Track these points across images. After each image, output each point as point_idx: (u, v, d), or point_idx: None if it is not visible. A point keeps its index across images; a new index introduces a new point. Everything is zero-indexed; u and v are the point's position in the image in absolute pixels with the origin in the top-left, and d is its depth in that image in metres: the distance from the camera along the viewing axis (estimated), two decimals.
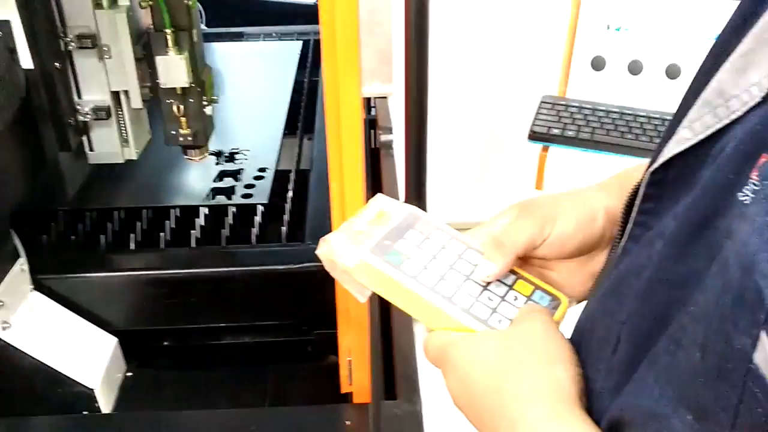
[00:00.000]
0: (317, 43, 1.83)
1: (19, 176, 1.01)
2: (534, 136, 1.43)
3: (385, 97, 1.79)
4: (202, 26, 2.10)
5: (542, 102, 1.49)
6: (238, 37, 1.91)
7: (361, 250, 0.63)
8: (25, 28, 0.95)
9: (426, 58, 0.95)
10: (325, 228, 1.09)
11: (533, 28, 2.00)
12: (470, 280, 0.63)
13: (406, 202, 0.69)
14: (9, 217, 0.97)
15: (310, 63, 1.73)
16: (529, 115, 1.46)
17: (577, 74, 1.46)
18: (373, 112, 1.68)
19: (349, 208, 0.91)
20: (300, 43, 1.81)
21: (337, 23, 0.76)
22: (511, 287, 0.65)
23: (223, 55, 1.89)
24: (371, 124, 1.64)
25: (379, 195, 0.71)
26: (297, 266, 1.02)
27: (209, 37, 1.96)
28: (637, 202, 0.53)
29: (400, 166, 1.64)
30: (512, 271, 0.65)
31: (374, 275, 0.62)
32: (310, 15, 2.20)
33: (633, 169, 0.67)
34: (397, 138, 1.71)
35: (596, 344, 0.51)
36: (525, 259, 0.66)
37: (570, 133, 1.37)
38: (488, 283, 0.63)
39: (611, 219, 0.64)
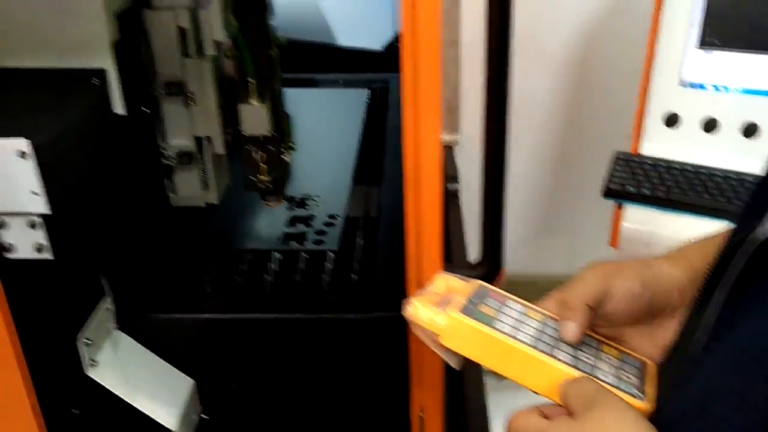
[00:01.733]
0: (384, 90, 1.86)
1: (110, 216, 1.04)
2: (609, 193, 1.42)
3: (450, 147, 1.81)
4: None
5: (617, 158, 1.48)
6: (307, 83, 1.95)
7: (451, 310, 0.64)
8: (119, 77, 0.99)
9: (505, 108, 0.95)
10: (396, 277, 1.10)
11: (606, 82, 2.00)
12: (560, 341, 0.63)
13: (483, 253, 0.70)
14: (99, 256, 1.00)
15: (377, 111, 1.76)
16: (601, 171, 1.45)
17: (650, 131, 1.45)
18: None
19: (425, 258, 0.92)
20: (367, 91, 1.84)
21: (420, 69, 0.77)
22: (599, 350, 0.64)
23: (293, 100, 1.93)
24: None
25: (441, 272, 0.73)
26: (369, 315, 1.03)
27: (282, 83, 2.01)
28: (734, 271, 0.52)
29: (469, 216, 1.64)
30: (593, 338, 0.65)
31: (467, 335, 0.62)
32: (377, 62, 2.26)
33: (697, 243, 0.68)
34: (464, 188, 1.72)
35: (711, 426, 0.49)
36: (598, 330, 0.66)
37: (645, 192, 1.36)
38: (576, 345, 0.63)
39: (677, 286, 0.65)
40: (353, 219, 1.30)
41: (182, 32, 1.05)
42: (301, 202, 1.32)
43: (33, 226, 0.83)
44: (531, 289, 0.71)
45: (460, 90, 1.79)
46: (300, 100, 1.92)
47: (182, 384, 1.01)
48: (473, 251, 1.48)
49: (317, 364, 1.07)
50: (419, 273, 0.88)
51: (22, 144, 0.78)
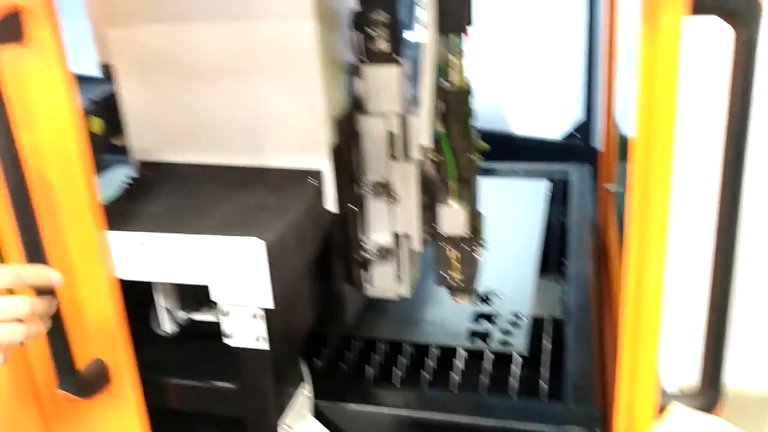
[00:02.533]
0: (564, 182, 1.85)
1: (313, 305, 1.10)
2: None
3: None
4: None
5: None
6: (488, 172, 1.98)
7: None
8: (334, 177, 1.06)
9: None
10: (588, 388, 1.08)
11: None
12: None
13: (703, 380, 0.67)
14: (301, 343, 1.06)
15: (559, 202, 1.75)
16: None
17: None
18: None
19: (640, 380, 0.88)
20: (547, 181, 1.84)
21: (650, 185, 0.76)
22: None
23: (487, 189, 1.96)
24: None
25: (677, 404, 0.70)
26: (561, 428, 1.01)
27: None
28: None
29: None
30: None
31: None
32: (556, 152, 2.26)
33: None
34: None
35: None
36: None
37: None
38: None
39: None
40: (539, 320, 1.29)
41: (391, 136, 1.11)
42: (485, 298, 1.33)
43: (254, 317, 0.90)
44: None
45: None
46: (492, 190, 1.96)
47: None
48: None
49: None
50: (631, 395, 0.85)
51: (256, 243, 0.85)
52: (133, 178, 1.08)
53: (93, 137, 1.04)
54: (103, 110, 1.07)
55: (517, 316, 1.28)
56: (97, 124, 1.05)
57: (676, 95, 0.69)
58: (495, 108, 2.43)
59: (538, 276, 1.42)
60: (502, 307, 1.31)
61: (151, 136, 1.08)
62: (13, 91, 0.77)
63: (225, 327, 0.92)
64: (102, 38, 1.06)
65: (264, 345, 0.91)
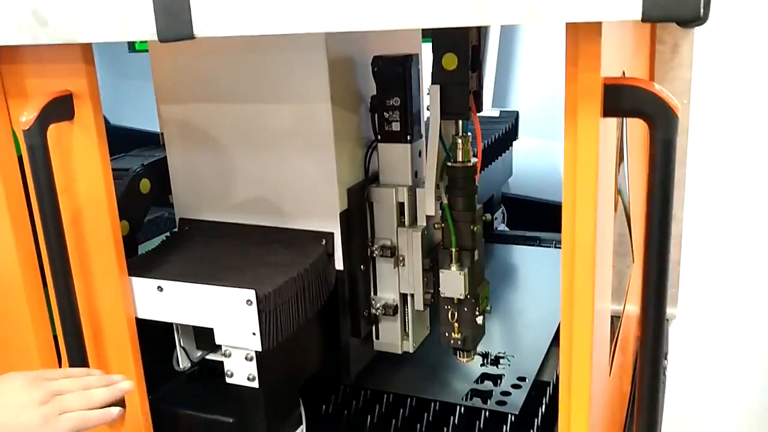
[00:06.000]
0: None
1: (316, 353, 1.23)
2: None
3: (667, 320, 1.78)
4: (503, 226, 2.31)
5: None
6: (532, 241, 2.06)
7: None
8: (343, 239, 1.19)
9: None
10: None
11: None
12: None
13: None
14: (300, 388, 1.18)
15: None
16: None
17: None
18: None
19: None
20: None
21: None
22: None
23: (515, 256, 2.05)
24: None
25: None
26: None
27: (507, 239, 2.15)
28: None
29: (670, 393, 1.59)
30: None
31: None
32: None
33: None
34: (673, 366, 1.68)
35: None
36: None
37: None
38: None
39: None
40: (543, 383, 1.35)
41: (400, 206, 1.23)
42: (495, 360, 1.41)
43: (247, 358, 1.03)
44: None
45: (680, 266, 1.78)
46: (521, 258, 2.03)
47: None
48: None
49: None
50: None
51: (249, 294, 0.99)
52: (173, 232, 1.25)
53: (141, 196, 1.23)
54: (154, 173, 1.25)
55: (521, 379, 1.35)
56: (146, 185, 1.23)
57: (596, 180, 0.78)
58: (547, 178, 2.49)
59: (552, 344, 1.48)
60: (509, 371, 1.38)
61: (190, 196, 1.25)
62: (57, 160, 0.94)
63: (227, 366, 1.06)
64: (159, 111, 1.25)
65: (255, 384, 1.04)
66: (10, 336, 1.08)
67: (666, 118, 0.77)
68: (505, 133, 2.08)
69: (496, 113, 2.26)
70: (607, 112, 0.77)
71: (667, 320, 1.80)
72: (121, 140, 1.42)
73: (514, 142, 2.21)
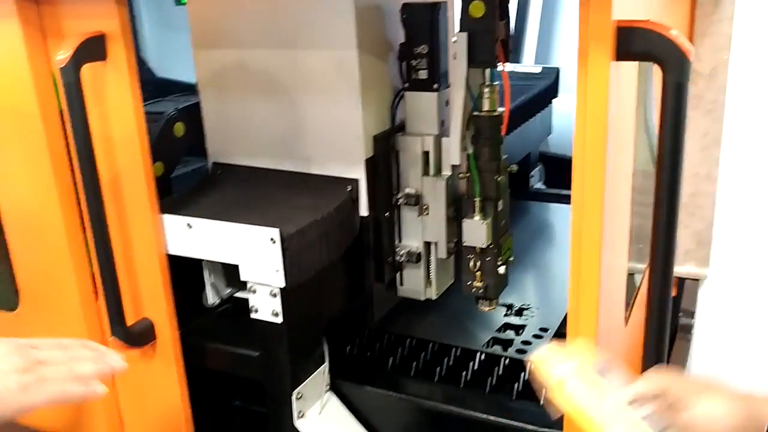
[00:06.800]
0: None
1: (340, 296, 1.27)
2: None
3: (697, 280, 1.77)
4: (540, 185, 2.30)
5: None
6: (567, 199, 2.05)
7: (562, 376, 0.80)
8: (368, 186, 1.22)
9: None
10: None
11: None
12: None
13: None
14: (324, 327, 1.22)
15: None
16: None
17: None
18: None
19: None
20: None
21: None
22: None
23: (550, 213, 2.05)
24: (675, 305, 1.64)
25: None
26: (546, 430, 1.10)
27: (542, 196, 2.15)
28: None
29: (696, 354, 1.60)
30: None
31: (563, 399, 0.79)
32: None
33: None
34: (702, 327, 1.68)
35: None
36: None
37: None
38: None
39: None
40: (564, 334, 1.37)
41: (426, 155, 1.25)
42: (519, 311, 1.43)
43: (272, 294, 1.07)
44: None
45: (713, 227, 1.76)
46: (555, 215, 2.04)
47: None
48: None
49: None
50: None
51: (274, 233, 1.03)
52: (205, 175, 1.30)
53: (175, 139, 1.27)
54: (188, 117, 1.29)
55: (543, 329, 1.37)
56: (180, 128, 1.27)
57: (606, 126, 0.79)
58: None
59: None
60: (532, 321, 1.40)
61: (222, 140, 1.29)
62: (91, 100, 0.99)
63: (251, 302, 1.10)
64: (195, 58, 1.29)
65: (279, 319, 1.08)
66: (51, 271, 1.14)
67: (678, 62, 0.78)
68: (543, 90, 2.06)
69: (537, 69, 2.24)
70: (620, 55, 0.77)
71: (697, 280, 1.79)
72: (166, 93, 1.47)
73: (554, 100, 2.19)
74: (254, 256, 1.05)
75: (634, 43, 0.77)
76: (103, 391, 0.85)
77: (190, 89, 1.46)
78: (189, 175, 1.44)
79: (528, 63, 3.16)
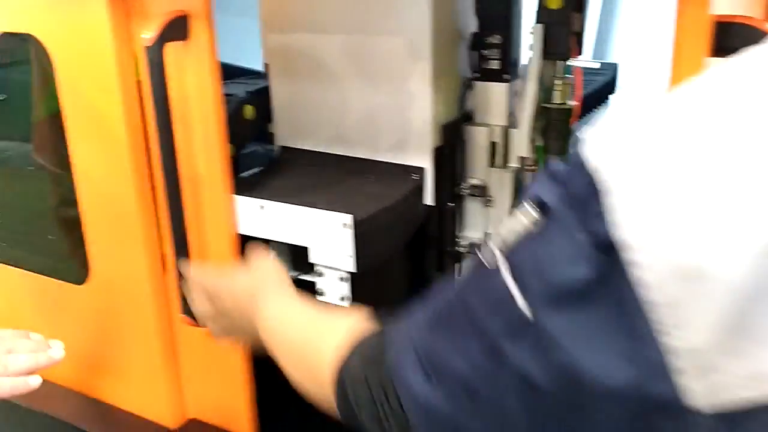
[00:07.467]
0: None
1: (401, 283, 1.27)
2: None
3: None
4: None
5: None
6: None
7: None
8: (434, 175, 1.22)
9: None
10: None
11: None
12: None
13: None
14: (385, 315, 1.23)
15: None
16: None
17: None
18: None
19: None
20: None
21: None
22: None
23: None
24: None
25: None
26: None
27: None
28: None
29: None
30: None
31: None
32: None
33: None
34: None
35: None
36: None
37: None
38: None
39: None
40: None
41: (493, 145, 1.25)
42: None
43: (341, 279, 1.08)
44: None
45: None
46: None
47: None
48: None
49: None
50: None
51: (347, 218, 1.03)
52: (274, 159, 1.31)
53: (245, 121, 1.28)
54: (257, 100, 1.30)
55: None
56: (250, 111, 1.28)
57: None
58: None
59: None
60: None
61: (291, 125, 1.30)
62: (173, 79, 1.00)
63: (319, 286, 1.11)
64: (265, 41, 1.30)
65: (346, 304, 1.09)
66: (122, 248, 1.16)
67: None
68: (603, 86, 2.04)
69: (596, 65, 2.21)
70: (716, 51, 0.76)
71: None
72: (223, 77, 1.48)
73: (610, 96, 2.16)
74: (325, 240, 1.06)
75: (732, 38, 0.75)
76: (38, 383, 0.83)
77: (247, 74, 1.47)
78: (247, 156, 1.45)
79: (586, 58, 3.11)
